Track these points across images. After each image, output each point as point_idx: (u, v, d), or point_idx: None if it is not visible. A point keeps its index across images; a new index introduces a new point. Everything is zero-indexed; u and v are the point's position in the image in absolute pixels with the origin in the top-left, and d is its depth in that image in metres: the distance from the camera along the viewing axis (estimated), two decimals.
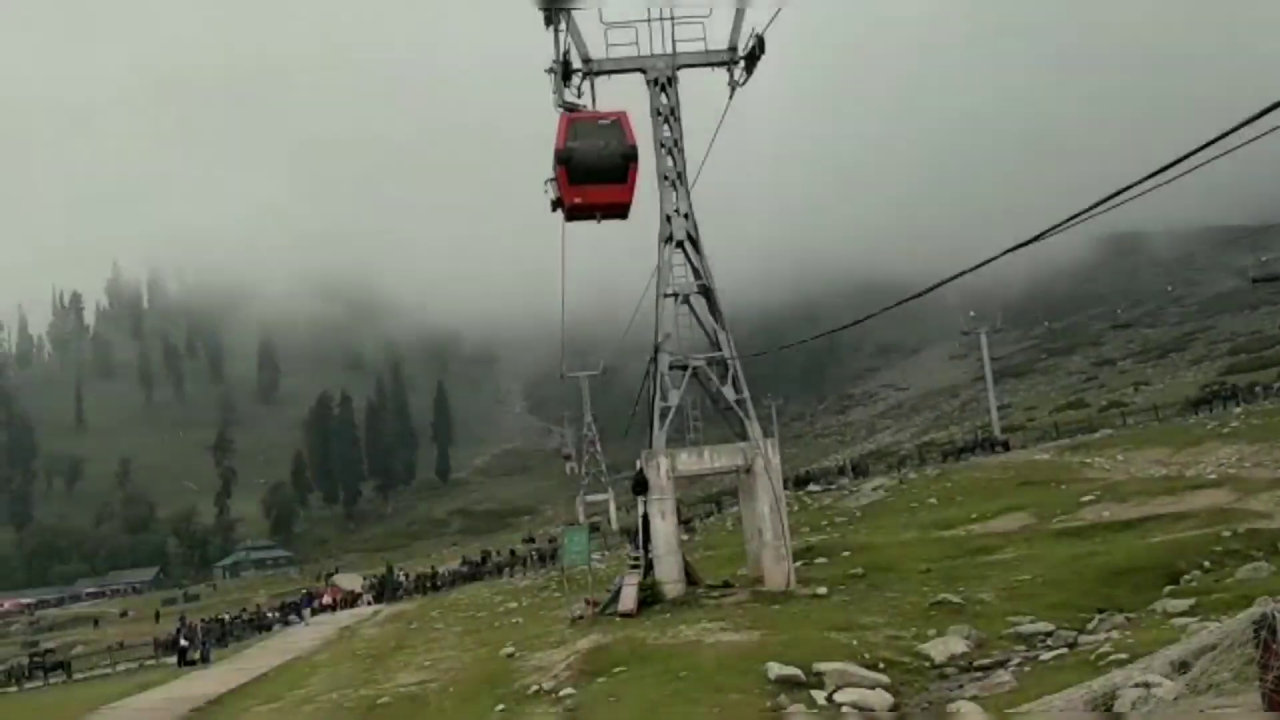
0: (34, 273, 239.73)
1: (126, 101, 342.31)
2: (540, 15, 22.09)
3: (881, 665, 15.01)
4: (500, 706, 16.15)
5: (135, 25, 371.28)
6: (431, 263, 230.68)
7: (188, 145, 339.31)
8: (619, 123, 22.02)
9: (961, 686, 13.86)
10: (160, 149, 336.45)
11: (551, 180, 22.43)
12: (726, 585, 24.48)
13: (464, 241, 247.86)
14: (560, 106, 22.25)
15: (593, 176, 21.67)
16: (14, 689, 49.34)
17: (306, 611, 53.20)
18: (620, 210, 23.14)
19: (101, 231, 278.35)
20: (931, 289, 12.87)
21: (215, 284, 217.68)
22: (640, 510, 25.29)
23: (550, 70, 22.56)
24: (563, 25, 22.53)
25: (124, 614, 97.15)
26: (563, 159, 21.85)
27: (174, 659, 41.62)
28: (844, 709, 13.00)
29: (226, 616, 62.48)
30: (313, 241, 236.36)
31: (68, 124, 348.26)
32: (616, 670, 16.60)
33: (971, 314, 73.19)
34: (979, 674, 14.46)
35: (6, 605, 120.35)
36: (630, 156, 22.05)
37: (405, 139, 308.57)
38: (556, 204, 22.93)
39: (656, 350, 24.92)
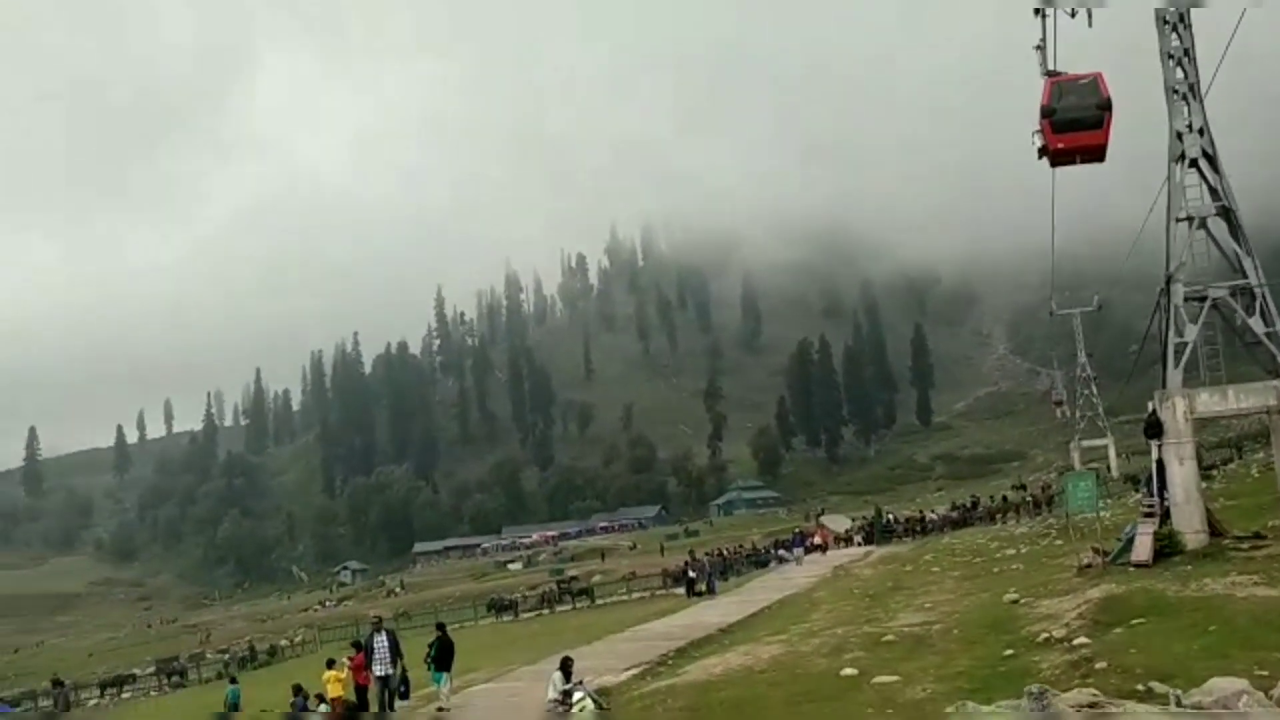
0: (546, 240, 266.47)
1: (615, 79, 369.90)
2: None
3: None
4: (1008, 651, 15.80)
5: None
6: (908, 201, 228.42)
7: (678, 114, 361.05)
8: (1095, 81, 23.06)
9: None
10: (648, 117, 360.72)
11: (1037, 132, 23.38)
12: (1258, 536, 22.20)
13: (942, 178, 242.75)
14: (1045, 74, 23.30)
15: (1073, 126, 23.00)
16: (546, 611, 55.64)
17: (799, 550, 54.91)
18: (1098, 154, 23.49)
19: (601, 199, 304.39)
20: None
21: (700, 238, 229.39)
22: (1154, 455, 23.67)
23: (1038, 47, 23.41)
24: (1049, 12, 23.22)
25: (633, 547, 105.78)
26: (1047, 113, 23.12)
27: (682, 590, 44.72)
28: None
29: (726, 551, 66.10)
30: (792, 188, 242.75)
31: (556, 104, 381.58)
32: (1135, 622, 15.65)
33: None
34: None
35: (535, 537, 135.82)
36: (1105, 108, 22.86)
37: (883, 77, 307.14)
38: (1042, 151, 23.52)
39: (1169, 281, 23.09)
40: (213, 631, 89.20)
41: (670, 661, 21.80)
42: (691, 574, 43.66)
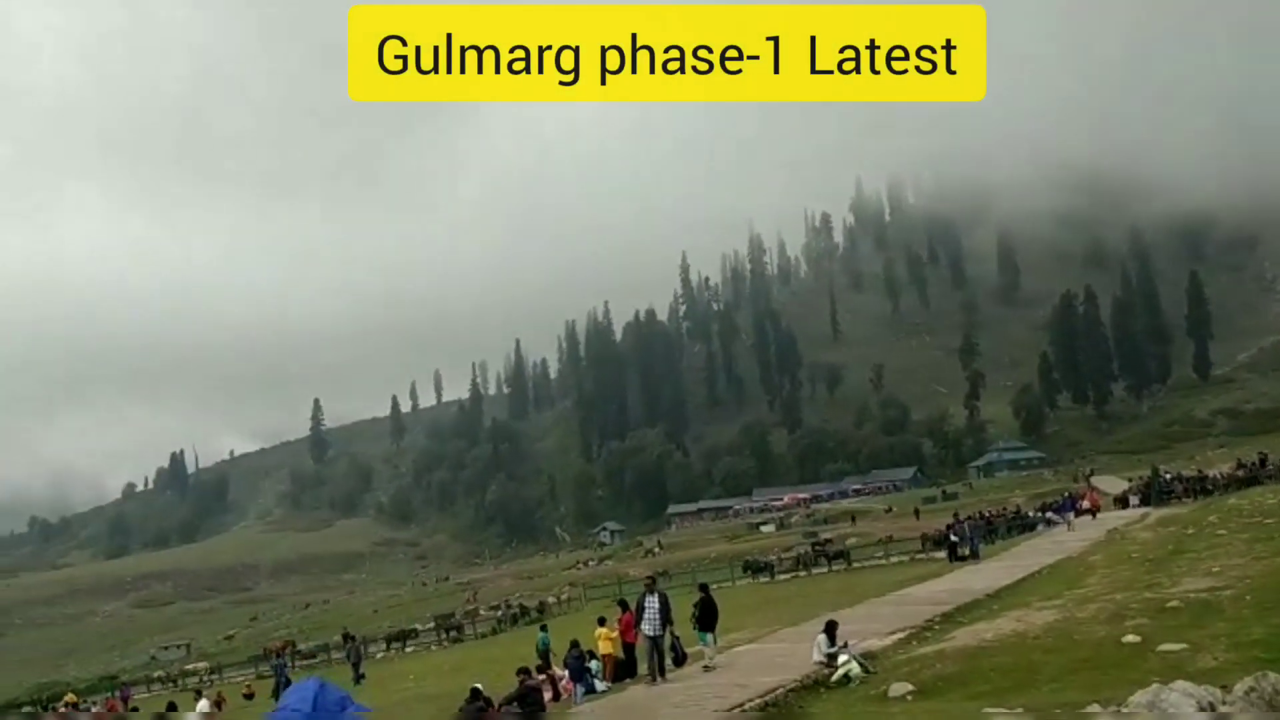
0: (789, 200, 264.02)
1: None
2: None
3: None
4: None
5: None
6: (1179, 139, 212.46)
7: None
8: None
9: None
10: None
11: None
12: None
13: (1216, 112, 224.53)
14: None
15: None
16: (803, 574, 55.61)
17: (1069, 514, 52.51)
18: None
19: (844, 154, 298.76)
20: None
21: (951, 189, 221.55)
22: None
23: None
24: None
25: (888, 510, 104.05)
26: None
27: (943, 554, 43.69)
28: None
29: (988, 514, 64.08)
30: (1050, 129, 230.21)
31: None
32: None
33: None
34: None
35: (786, 499, 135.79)
36: None
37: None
38: None
39: None
40: (479, 590, 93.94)
41: (936, 626, 21.35)
42: (954, 537, 42.54)
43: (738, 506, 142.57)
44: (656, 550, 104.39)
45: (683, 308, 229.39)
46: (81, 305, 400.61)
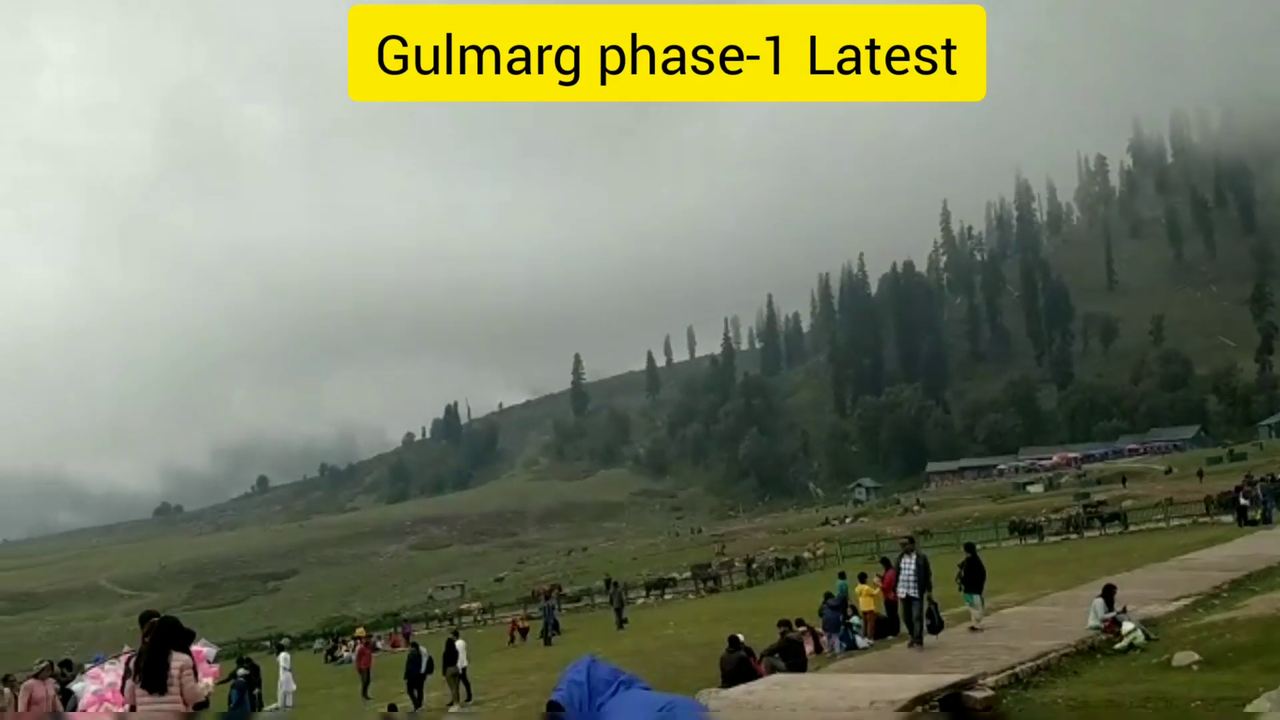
0: (1060, 144, 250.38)
1: None
2: None
3: None
4: None
5: None
6: None
7: None
8: None
9: None
10: None
11: None
12: None
13: None
14: None
15: None
16: (1073, 536, 53.16)
17: None
18: None
19: (1122, 94, 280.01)
20: None
21: (1242, 129, 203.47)
22: None
23: None
24: None
25: (1168, 471, 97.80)
26: None
27: (1231, 517, 40.83)
28: None
29: None
30: None
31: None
32: None
33: None
34: None
35: (1055, 459, 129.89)
36: None
37: None
38: None
39: None
40: (727, 544, 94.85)
41: (1225, 594, 19.91)
42: (1244, 500, 39.56)
43: (1002, 466, 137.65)
44: (915, 508, 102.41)
45: (943, 258, 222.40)
46: (368, 269, 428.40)
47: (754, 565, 63.89)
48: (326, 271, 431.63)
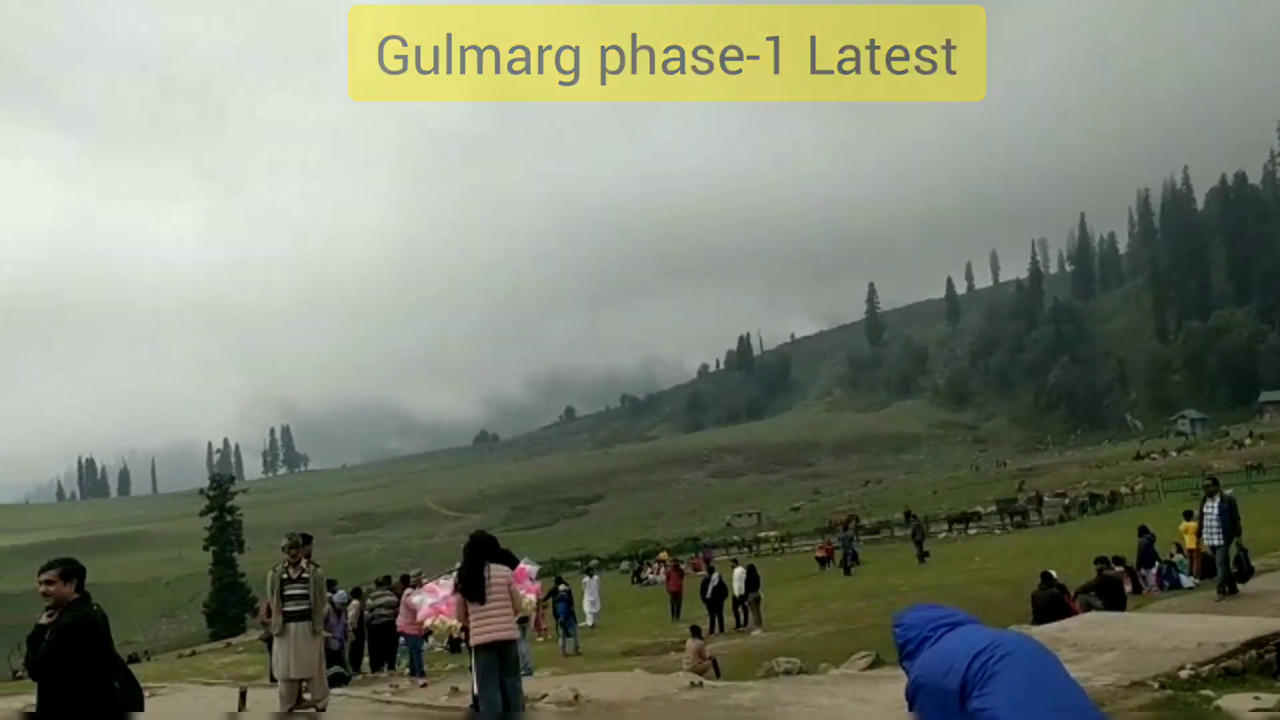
0: None
1: None
2: None
3: None
4: None
5: None
6: None
7: None
8: None
9: None
10: None
11: None
12: None
13: None
14: None
15: None
16: None
17: None
18: None
19: None
20: None
21: None
22: None
23: None
24: None
25: None
26: None
27: None
28: None
29: None
30: None
31: None
32: None
33: None
34: None
35: None
36: None
37: None
38: None
39: None
40: (1033, 478, 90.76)
41: None
42: None
43: None
44: (1247, 442, 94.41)
45: None
46: (671, 201, 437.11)
47: (1067, 501, 61.04)
48: (633, 206, 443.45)
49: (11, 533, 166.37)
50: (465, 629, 9.63)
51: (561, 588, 26.07)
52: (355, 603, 19.05)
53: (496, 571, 9.49)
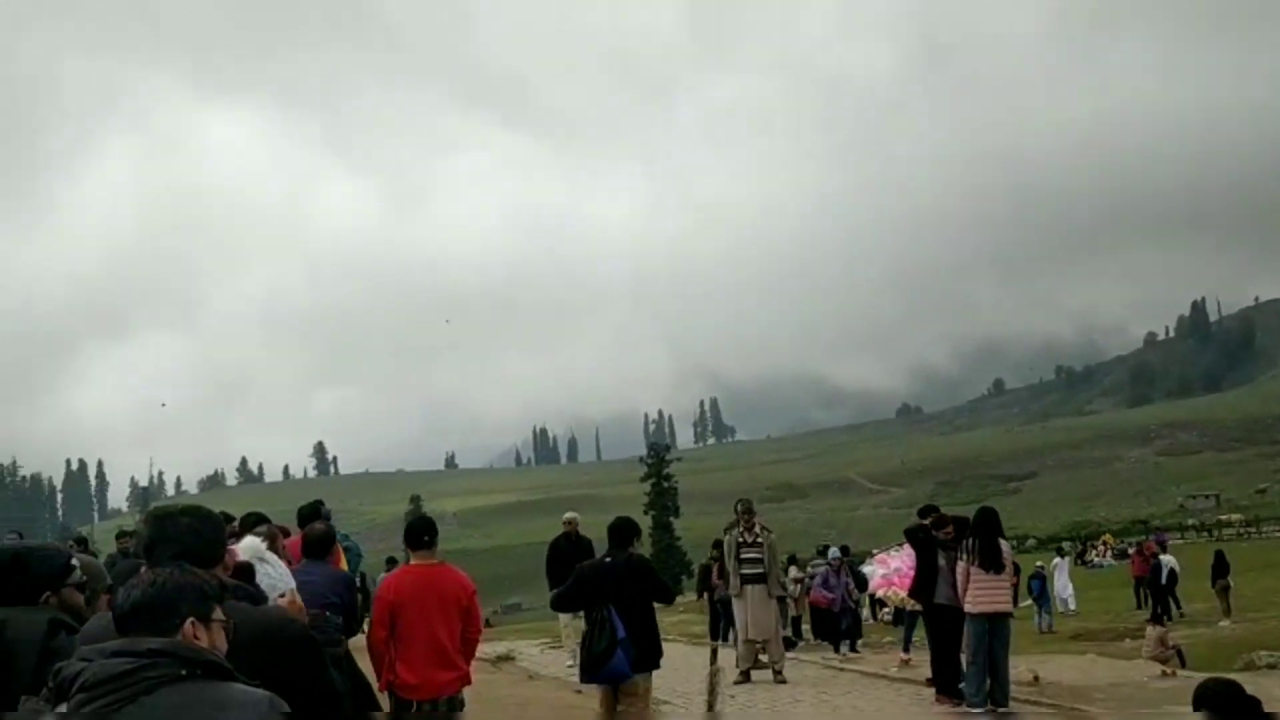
0: None
1: None
2: None
3: None
4: None
5: None
6: None
7: None
8: None
9: None
10: None
11: None
12: None
13: None
14: None
15: None
16: None
17: None
18: None
19: None
20: None
21: None
22: None
23: None
24: None
25: None
26: None
27: None
28: None
29: None
30: None
31: None
32: None
33: None
34: None
35: None
36: None
37: None
38: None
39: None
40: None
41: None
42: None
43: None
44: None
45: None
46: (1114, 156, 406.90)
47: None
48: (1067, 158, 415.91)
49: (480, 494, 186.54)
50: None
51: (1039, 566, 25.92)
52: (794, 569, 19.57)
53: (1004, 545, 10.03)
